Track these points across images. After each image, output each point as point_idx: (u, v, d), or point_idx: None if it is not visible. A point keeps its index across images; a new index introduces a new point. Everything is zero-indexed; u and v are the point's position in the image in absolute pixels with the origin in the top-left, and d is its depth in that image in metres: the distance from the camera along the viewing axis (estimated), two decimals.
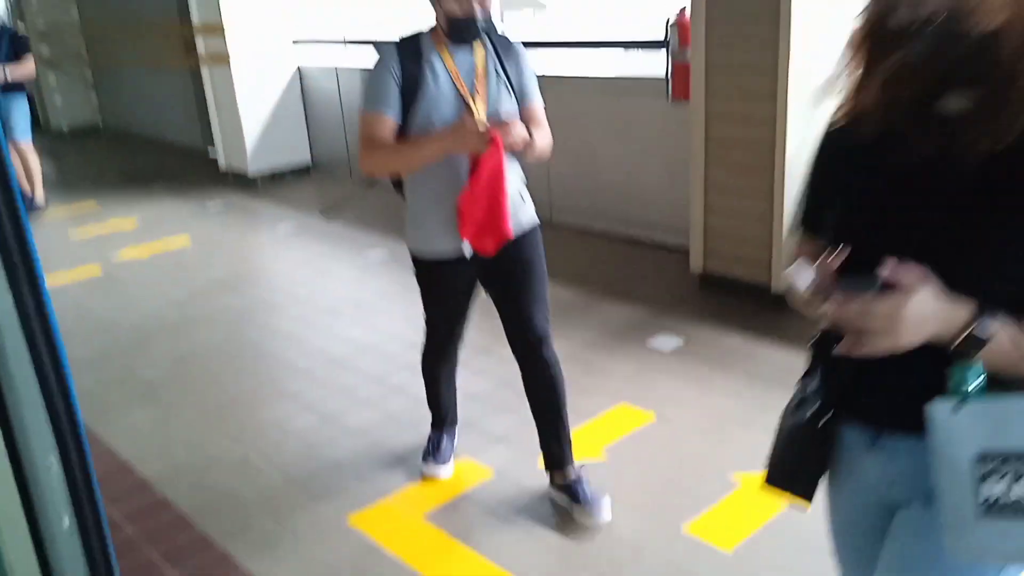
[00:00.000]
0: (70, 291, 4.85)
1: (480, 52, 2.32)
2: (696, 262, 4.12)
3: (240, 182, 7.06)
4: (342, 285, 4.67)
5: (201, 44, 6.90)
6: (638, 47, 5.18)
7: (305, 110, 7.21)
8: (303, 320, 4.20)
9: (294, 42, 7.00)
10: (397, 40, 2.33)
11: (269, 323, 4.24)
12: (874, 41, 1.03)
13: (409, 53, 2.29)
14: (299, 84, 7.12)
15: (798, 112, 3.57)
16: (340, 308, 4.31)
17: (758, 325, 3.68)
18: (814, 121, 3.47)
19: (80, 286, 4.93)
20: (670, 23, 4.36)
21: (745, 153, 3.75)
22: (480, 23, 2.23)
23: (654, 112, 4.70)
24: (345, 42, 6.89)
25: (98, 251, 5.55)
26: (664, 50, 4.43)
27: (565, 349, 2.78)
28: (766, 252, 3.79)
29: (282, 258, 5.41)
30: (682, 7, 4.26)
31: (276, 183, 7.05)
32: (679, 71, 4.31)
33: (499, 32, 2.37)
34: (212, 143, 7.40)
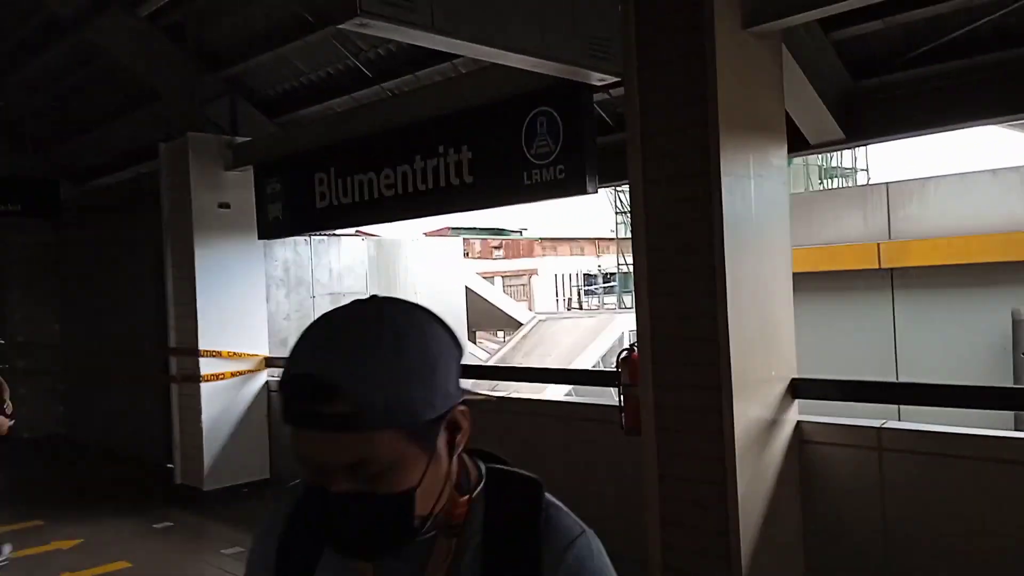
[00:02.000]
0: None
1: (442, 553, 1.03)
2: None
3: (193, 496, 6.88)
4: None
5: (174, 365, 7.11)
6: (592, 381, 5.42)
7: (269, 423, 7.26)
8: None
9: (267, 363, 7.23)
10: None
11: None
12: None
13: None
14: (266, 398, 7.24)
15: (745, 449, 3.66)
16: None
17: None
18: (762, 460, 3.56)
19: None
20: (621, 357, 4.60)
21: (699, 491, 3.77)
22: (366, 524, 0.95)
23: (609, 439, 4.78)
24: None
25: (30, 574, 5.23)
26: (617, 383, 4.63)
27: None
28: None
29: None
30: (633, 343, 4.53)
31: (232, 497, 6.87)
32: (630, 404, 4.46)
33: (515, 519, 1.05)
34: (172, 457, 7.32)
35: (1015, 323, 7.42)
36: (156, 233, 7.38)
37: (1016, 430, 6.54)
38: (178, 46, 7.33)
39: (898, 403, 5.03)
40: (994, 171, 8.01)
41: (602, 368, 13.24)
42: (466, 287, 11.66)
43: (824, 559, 3.88)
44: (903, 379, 7.28)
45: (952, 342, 7.75)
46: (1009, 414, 6.81)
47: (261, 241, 7.17)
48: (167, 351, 7.22)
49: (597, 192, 4.82)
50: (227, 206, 7.01)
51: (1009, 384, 7.20)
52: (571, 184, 4.74)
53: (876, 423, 3.78)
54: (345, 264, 8.64)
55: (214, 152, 7.02)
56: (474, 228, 40.85)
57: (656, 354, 3.94)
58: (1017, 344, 7.38)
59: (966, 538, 3.48)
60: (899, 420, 4.57)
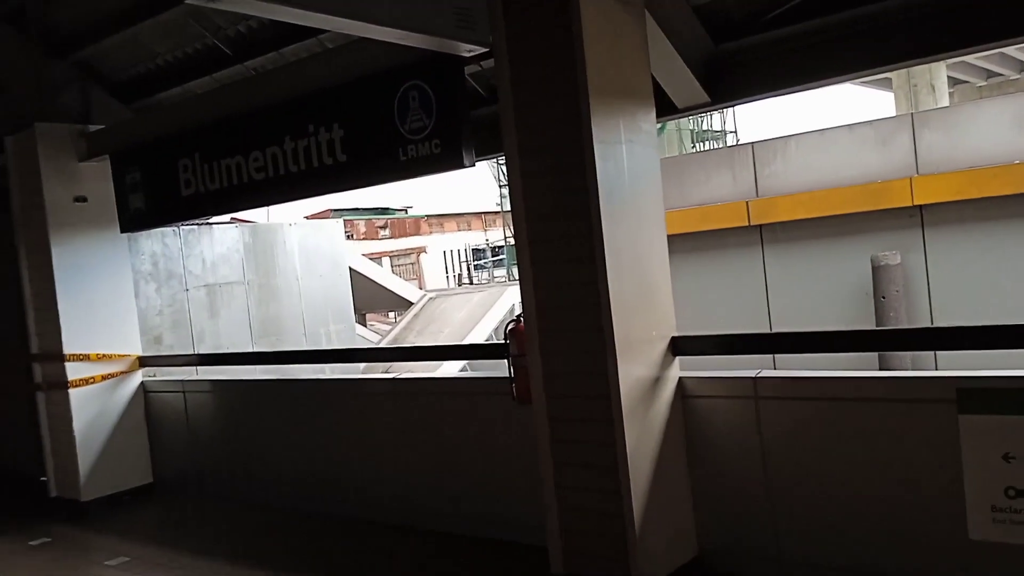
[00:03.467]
0: None
1: None
2: (556, 564, 4.01)
3: (72, 509, 6.50)
4: None
5: (38, 372, 6.67)
6: (482, 355, 5.43)
7: (148, 426, 6.92)
8: None
9: (141, 363, 6.88)
10: None
11: None
12: None
13: None
14: (143, 400, 6.90)
15: (631, 409, 3.75)
16: None
17: None
18: (647, 419, 3.65)
19: None
20: (508, 329, 4.61)
21: (590, 453, 3.84)
22: None
23: (503, 411, 4.80)
24: (197, 362, 6.86)
25: None
26: (506, 354, 4.63)
27: None
28: (622, 550, 3.76)
29: None
30: (520, 314, 4.54)
31: (113, 507, 6.54)
32: (520, 373, 4.48)
33: None
34: (45, 469, 6.88)
35: (874, 268, 7.90)
36: (8, 232, 6.86)
37: (880, 369, 6.99)
38: (19, 31, 6.78)
39: (772, 352, 5.27)
40: (850, 126, 8.46)
41: (495, 341, 13.33)
42: (351, 269, 11.44)
43: (711, 507, 4.04)
44: (776, 329, 7.65)
45: (819, 290, 8.19)
46: (873, 354, 7.27)
47: (125, 235, 6.78)
48: (29, 357, 6.76)
49: (474, 165, 4.78)
50: (84, 199, 6.57)
51: (872, 326, 7.68)
52: (448, 158, 4.67)
53: (752, 373, 3.94)
54: (219, 253, 8.29)
55: (66, 143, 6.57)
56: (358, 209, 40.16)
57: (542, 323, 3.97)
58: (877, 288, 7.87)
59: (842, 475, 3.68)
60: (775, 368, 4.79)
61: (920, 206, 7.90)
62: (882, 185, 7.96)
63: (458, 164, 4.66)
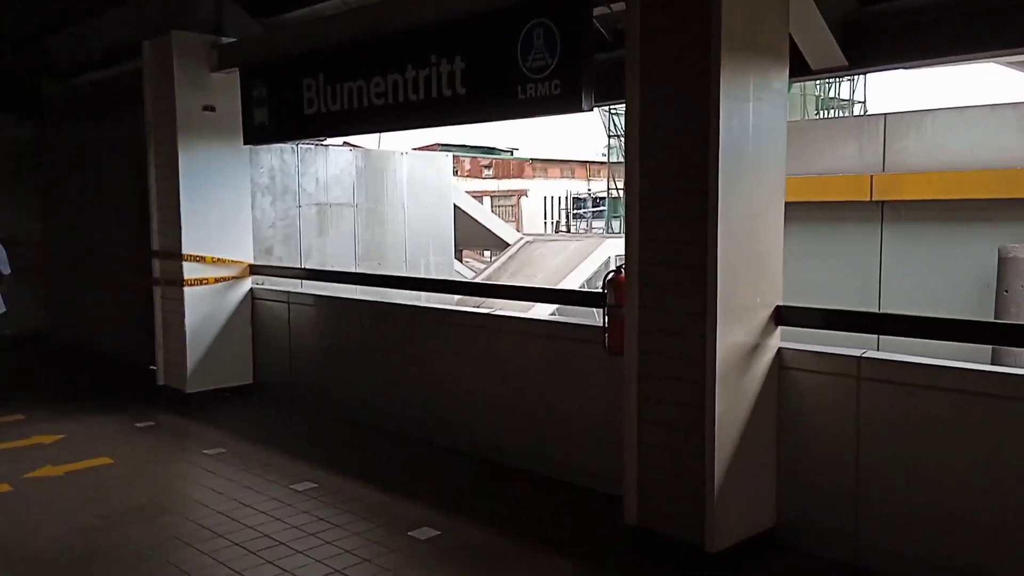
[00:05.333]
0: None
1: None
2: (630, 515, 4.05)
3: (177, 399, 6.94)
4: (262, 520, 4.46)
5: (157, 268, 7.06)
6: (577, 302, 5.43)
7: (253, 330, 7.27)
8: (215, 556, 3.96)
9: (252, 271, 7.19)
10: None
11: (179, 560, 3.98)
12: None
13: None
14: (250, 305, 7.23)
15: (725, 373, 3.69)
16: (256, 545, 4.08)
17: None
18: (741, 386, 3.58)
19: None
20: (608, 279, 4.59)
21: (676, 413, 3.82)
22: None
23: (592, 360, 4.81)
24: (303, 276, 7.11)
25: (11, 466, 5.30)
26: (602, 304, 4.62)
27: None
28: (699, 511, 3.75)
29: (204, 485, 5.19)
30: (620, 264, 4.50)
31: (214, 401, 6.94)
32: (615, 325, 4.47)
33: None
34: (155, 359, 7.34)
35: (1001, 260, 7.46)
36: (139, 133, 7.22)
37: (993, 365, 6.64)
38: None
39: (879, 333, 5.07)
40: (992, 107, 7.92)
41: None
42: (455, 205, 11.56)
43: (795, 481, 3.97)
44: (886, 310, 7.35)
45: (937, 277, 7.80)
46: (985, 351, 6.90)
47: (246, 147, 7.03)
48: (150, 254, 7.16)
49: (592, 110, 4.73)
50: (212, 109, 6.84)
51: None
52: (566, 100, 4.63)
53: (857, 352, 3.81)
54: (332, 175, 8.51)
55: (199, 52, 6.81)
56: (464, 146, 40.33)
57: (643, 276, 3.93)
58: (1001, 281, 7.44)
59: (937, 467, 3.55)
60: (878, 351, 4.62)
61: None
62: (1020, 172, 7.45)
63: (576, 107, 4.61)
